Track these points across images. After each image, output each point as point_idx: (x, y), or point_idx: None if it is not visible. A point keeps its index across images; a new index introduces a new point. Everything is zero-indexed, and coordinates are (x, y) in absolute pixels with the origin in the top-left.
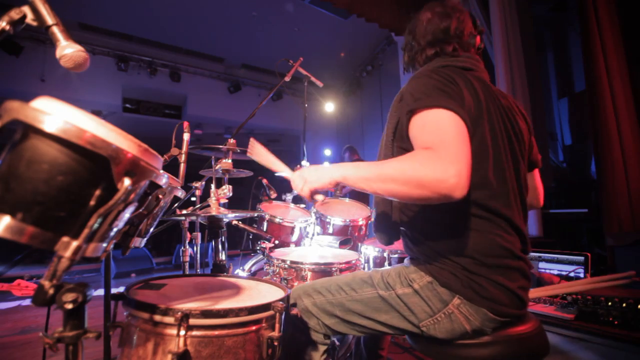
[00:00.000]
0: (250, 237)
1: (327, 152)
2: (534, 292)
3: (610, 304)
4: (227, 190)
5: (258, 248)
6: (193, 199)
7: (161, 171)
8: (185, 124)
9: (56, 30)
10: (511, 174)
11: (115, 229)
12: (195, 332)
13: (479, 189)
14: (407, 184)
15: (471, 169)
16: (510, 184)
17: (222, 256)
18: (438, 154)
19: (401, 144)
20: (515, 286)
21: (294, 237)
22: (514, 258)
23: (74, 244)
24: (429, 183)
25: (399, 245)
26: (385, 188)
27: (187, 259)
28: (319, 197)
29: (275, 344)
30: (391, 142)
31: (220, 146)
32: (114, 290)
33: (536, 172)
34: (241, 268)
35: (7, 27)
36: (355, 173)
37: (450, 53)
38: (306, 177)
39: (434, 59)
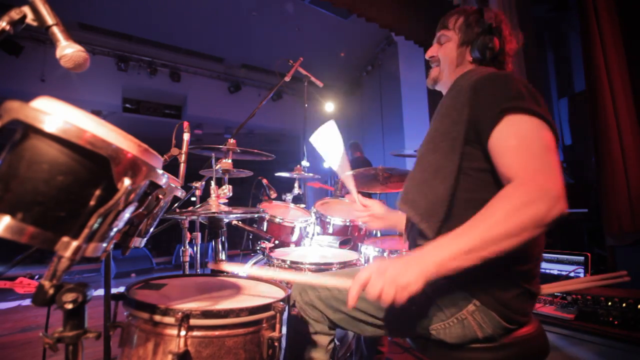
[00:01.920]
0: (250, 237)
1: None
2: None
3: (610, 304)
4: (227, 190)
5: (258, 248)
6: (193, 199)
7: (161, 171)
8: (185, 124)
9: (56, 30)
10: None
11: (115, 229)
12: (195, 333)
13: None
14: (525, 230)
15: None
16: None
17: (222, 256)
18: (541, 181)
19: (472, 148)
20: (534, 295)
21: (294, 237)
22: (536, 266)
23: (74, 244)
24: (545, 215)
25: (399, 245)
26: (501, 248)
27: (187, 259)
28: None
29: (276, 344)
30: (462, 143)
31: (220, 146)
32: (114, 290)
33: None
34: None
35: (7, 27)
36: (454, 252)
37: None
38: (391, 275)
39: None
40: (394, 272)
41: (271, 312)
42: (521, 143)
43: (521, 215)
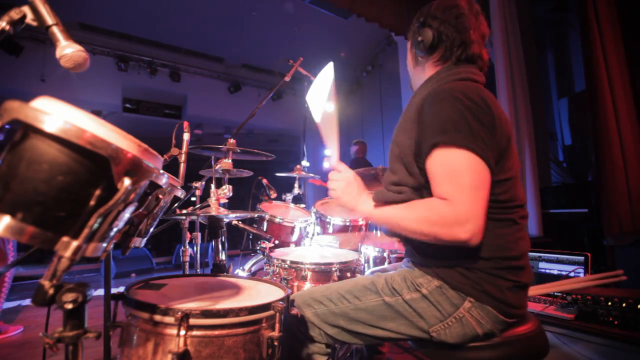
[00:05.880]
0: (250, 237)
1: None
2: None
3: (610, 304)
4: (227, 190)
5: (258, 248)
6: (193, 199)
7: (161, 171)
8: (185, 124)
9: (56, 30)
10: (520, 181)
11: (115, 229)
12: (195, 332)
13: (503, 200)
14: (425, 236)
15: (487, 205)
16: (523, 190)
17: (222, 256)
18: (454, 209)
19: (419, 161)
20: (526, 284)
21: (294, 237)
22: (523, 258)
23: (74, 244)
24: (446, 238)
25: (399, 244)
26: (406, 232)
27: (187, 259)
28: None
29: (275, 344)
30: (412, 154)
31: (220, 146)
32: (114, 290)
33: None
34: (241, 268)
35: (7, 27)
36: (383, 215)
37: (484, 61)
38: (342, 198)
39: (463, 64)
40: (344, 195)
41: (271, 312)
42: (450, 174)
43: (426, 226)
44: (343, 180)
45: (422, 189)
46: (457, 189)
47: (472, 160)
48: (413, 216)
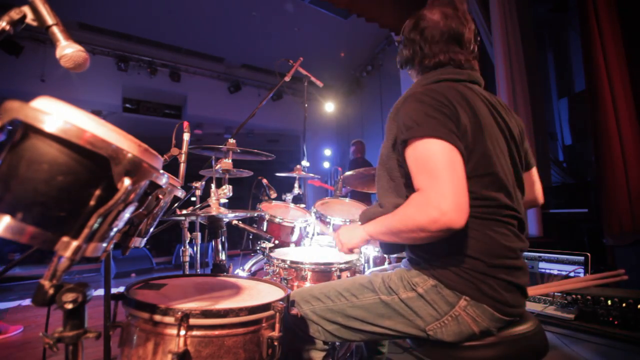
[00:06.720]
0: (250, 237)
1: (327, 152)
2: (529, 290)
3: (610, 303)
4: (227, 190)
5: (258, 248)
6: (193, 199)
7: (161, 171)
8: (185, 124)
9: (56, 30)
10: (512, 177)
11: (115, 229)
12: (195, 332)
13: (483, 197)
14: (412, 231)
15: (467, 190)
16: (512, 187)
17: (222, 256)
18: (427, 195)
19: (399, 159)
20: (521, 285)
21: (294, 237)
22: (518, 257)
23: (74, 244)
24: (427, 226)
25: None
26: (400, 238)
27: (187, 259)
28: (356, 251)
29: (275, 344)
30: (392, 153)
31: (220, 146)
32: (114, 290)
33: (533, 170)
34: (241, 268)
35: (7, 27)
36: (375, 229)
37: (458, 64)
38: (342, 240)
39: (439, 68)
40: (343, 237)
41: (271, 312)
42: (420, 164)
43: (410, 221)
44: (339, 232)
45: (403, 194)
46: (425, 176)
47: (435, 145)
48: (396, 217)
